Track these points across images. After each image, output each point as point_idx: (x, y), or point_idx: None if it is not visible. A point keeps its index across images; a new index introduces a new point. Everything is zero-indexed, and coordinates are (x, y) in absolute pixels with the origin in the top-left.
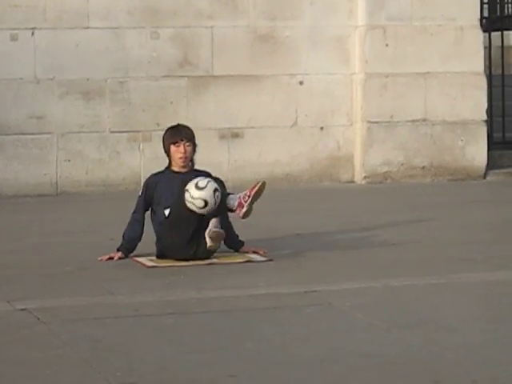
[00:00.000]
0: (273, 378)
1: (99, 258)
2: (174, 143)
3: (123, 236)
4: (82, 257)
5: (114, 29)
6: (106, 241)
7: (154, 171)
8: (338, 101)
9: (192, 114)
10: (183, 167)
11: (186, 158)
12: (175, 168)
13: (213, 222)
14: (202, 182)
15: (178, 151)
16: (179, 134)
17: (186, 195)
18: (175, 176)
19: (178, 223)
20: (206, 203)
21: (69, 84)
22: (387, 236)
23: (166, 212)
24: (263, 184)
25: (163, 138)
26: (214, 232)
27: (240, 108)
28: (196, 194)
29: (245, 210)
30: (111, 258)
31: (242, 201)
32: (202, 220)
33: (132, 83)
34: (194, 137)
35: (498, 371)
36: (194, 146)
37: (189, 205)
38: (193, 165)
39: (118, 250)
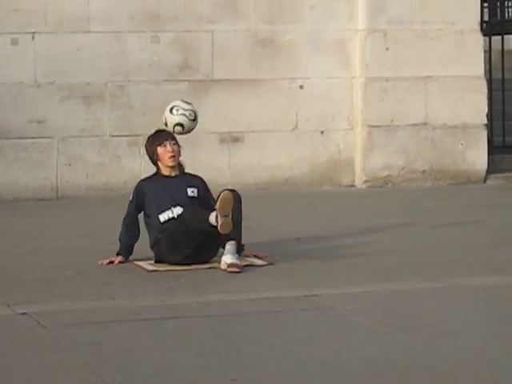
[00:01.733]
0: (274, 382)
1: (99, 262)
2: (160, 144)
3: (119, 240)
4: (83, 261)
5: (114, 33)
6: (106, 245)
7: (143, 176)
8: (339, 105)
9: None
10: (173, 168)
11: (174, 155)
12: (165, 172)
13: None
14: (177, 110)
15: (165, 151)
16: (163, 135)
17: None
18: (166, 180)
19: (177, 239)
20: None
21: (69, 88)
22: (388, 240)
23: (161, 217)
24: (226, 194)
25: (146, 145)
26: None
27: (240, 112)
28: (165, 113)
29: (219, 224)
30: (111, 262)
31: (215, 218)
32: (205, 238)
33: (132, 87)
34: (175, 138)
35: (498, 375)
36: (179, 146)
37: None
38: (183, 168)
39: (118, 254)
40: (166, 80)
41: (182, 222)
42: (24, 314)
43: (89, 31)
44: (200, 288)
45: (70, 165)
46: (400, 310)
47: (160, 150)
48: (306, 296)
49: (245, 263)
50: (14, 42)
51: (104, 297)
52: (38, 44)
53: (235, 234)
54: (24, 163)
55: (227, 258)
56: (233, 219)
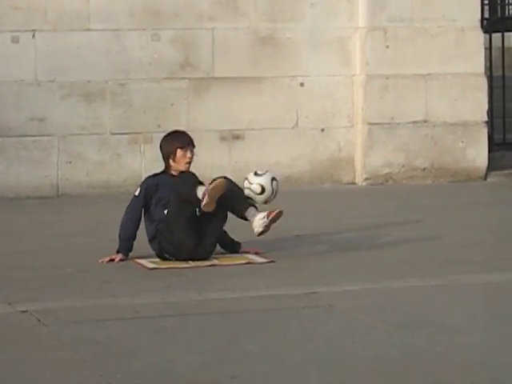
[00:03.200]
0: (274, 379)
1: (100, 260)
2: (182, 148)
3: (119, 237)
4: (83, 259)
5: (114, 31)
6: (106, 243)
7: (151, 173)
8: (339, 102)
9: (193, 115)
10: (183, 172)
11: (191, 162)
12: (173, 172)
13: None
14: (261, 170)
15: (185, 156)
16: (186, 139)
17: (245, 182)
18: (174, 179)
19: (175, 220)
20: (263, 189)
21: (70, 86)
22: (388, 238)
23: (166, 212)
24: (221, 182)
25: (164, 141)
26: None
27: (241, 110)
28: (254, 180)
29: (204, 202)
30: (112, 260)
31: (204, 196)
32: (200, 218)
33: (133, 85)
34: (194, 144)
35: (498, 372)
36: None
37: (247, 192)
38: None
39: (118, 252)
40: (166, 78)
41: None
42: (24, 311)
43: (89, 29)
44: (200, 286)
45: (70, 163)
46: (400, 308)
47: (180, 153)
48: (306, 293)
49: (245, 261)
50: (15, 40)
51: (104, 294)
52: (38, 42)
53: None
54: (25, 161)
55: (260, 215)
56: (236, 198)
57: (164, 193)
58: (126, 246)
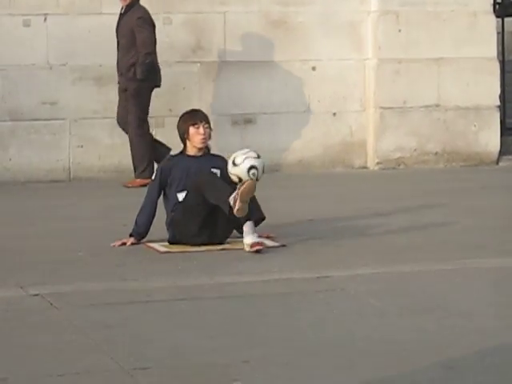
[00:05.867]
0: (286, 363)
1: (112, 244)
2: (194, 124)
3: (135, 221)
4: (95, 242)
5: None
6: (118, 226)
7: (169, 155)
8: (351, 86)
9: (204, 99)
10: (200, 150)
11: (205, 138)
12: (191, 152)
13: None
14: (239, 158)
15: (197, 132)
16: (198, 115)
17: (228, 167)
18: (190, 160)
19: (192, 208)
20: (241, 180)
21: (81, 70)
22: (400, 222)
23: (180, 196)
24: (251, 183)
25: (179, 121)
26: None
27: (252, 94)
28: (232, 170)
29: (236, 208)
30: (124, 244)
31: (233, 200)
32: (217, 206)
33: None
34: (209, 121)
35: (510, 357)
36: (210, 130)
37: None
38: (208, 150)
39: (131, 236)
40: (178, 61)
41: (199, 192)
42: (37, 295)
43: (101, 13)
44: (212, 269)
45: (82, 146)
46: (412, 292)
47: (192, 130)
48: (318, 277)
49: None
50: (26, 24)
51: (116, 278)
52: (50, 26)
53: (253, 214)
54: (36, 145)
55: (248, 239)
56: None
57: (177, 174)
58: (138, 230)
